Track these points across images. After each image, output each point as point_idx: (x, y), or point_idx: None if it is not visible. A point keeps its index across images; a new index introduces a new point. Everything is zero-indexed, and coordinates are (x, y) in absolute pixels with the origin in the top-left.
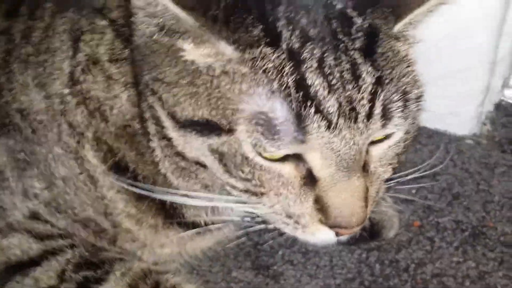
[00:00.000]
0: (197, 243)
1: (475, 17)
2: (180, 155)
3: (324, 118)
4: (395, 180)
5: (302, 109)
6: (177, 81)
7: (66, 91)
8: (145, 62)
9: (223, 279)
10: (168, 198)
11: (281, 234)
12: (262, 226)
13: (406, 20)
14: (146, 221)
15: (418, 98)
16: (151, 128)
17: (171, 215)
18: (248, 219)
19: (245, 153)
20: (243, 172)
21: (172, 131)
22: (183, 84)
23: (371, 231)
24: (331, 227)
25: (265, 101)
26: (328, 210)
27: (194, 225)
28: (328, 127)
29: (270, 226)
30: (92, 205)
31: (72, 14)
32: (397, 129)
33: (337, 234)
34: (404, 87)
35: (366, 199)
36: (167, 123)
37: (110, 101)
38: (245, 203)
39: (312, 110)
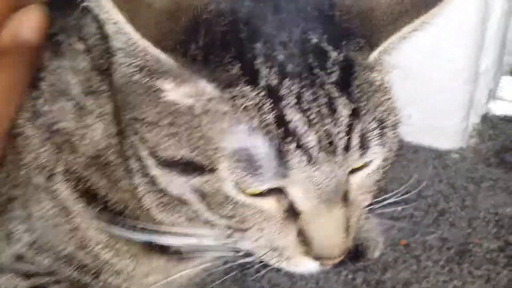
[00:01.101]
0: (181, 269)
1: (454, 32)
2: (164, 191)
3: (304, 153)
4: (380, 203)
5: (283, 145)
6: (158, 121)
7: (29, 126)
8: (125, 102)
9: None
10: (146, 238)
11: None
12: (247, 259)
13: (380, 48)
14: (124, 250)
15: (395, 125)
16: (134, 165)
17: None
18: (231, 253)
19: (227, 191)
20: (225, 210)
21: (154, 169)
22: (164, 125)
23: (355, 252)
24: (315, 258)
25: (246, 138)
26: (311, 243)
27: (176, 252)
28: (309, 161)
29: (252, 258)
30: (70, 240)
31: None
32: (376, 157)
33: (321, 265)
34: (380, 116)
35: (347, 229)
36: (150, 161)
37: (81, 131)
38: (228, 238)
39: (293, 145)
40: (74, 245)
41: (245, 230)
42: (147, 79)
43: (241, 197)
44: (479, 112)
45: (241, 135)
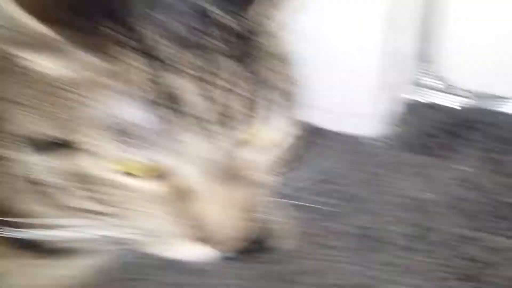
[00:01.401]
0: (53, 271)
1: (361, 13)
2: (37, 179)
3: (197, 126)
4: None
5: (174, 118)
6: (31, 101)
7: None
8: None
9: None
10: (21, 235)
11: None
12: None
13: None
14: None
15: (293, 96)
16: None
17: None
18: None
19: (102, 171)
20: (101, 192)
21: (26, 156)
22: (38, 104)
23: (262, 243)
24: (209, 242)
25: (133, 111)
26: (204, 225)
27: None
28: (202, 135)
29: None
30: None
31: None
32: (275, 130)
33: (218, 251)
34: (278, 84)
35: (245, 210)
36: (21, 147)
37: None
38: (104, 226)
39: (185, 118)
40: None
41: (126, 215)
42: (19, 55)
43: (126, 180)
44: (402, 100)
45: (127, 108)
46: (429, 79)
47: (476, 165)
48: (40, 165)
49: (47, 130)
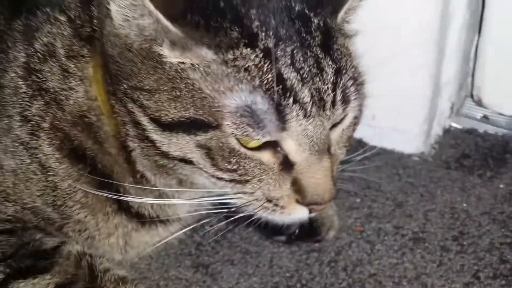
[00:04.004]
0: (141, 237)
1: (414, 36)
2: (164, 154)
3: (301, 108)
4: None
5: (282, 100)
6: (157, 88)
7: (21, 82)
8: (121, 72)
9: (161, 276)
10: (139, 201)
11: (224, 236)
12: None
13: (341, 14)
14: (101, 210)
15: (363, 84)
16: (131, 131)
17: (119, 202)
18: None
19: (232, 144)
20: (230, 163)
21: (154, 134)
22: (164, 90)
23: (310, 230)
24: (307, 205)
25: (248, 95)
26: (304, 190)
27: (138, 216)
28: (304, 115)
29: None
30: (41, 197)
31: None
32: (352, 111)
33: (310, 211)
34: (354, 75)
35: (333, 177)
36: (150, 127)
37: (66, 92)
38: (221, 195)
39: (291, 100)
40: (44, 201)
41: (246, 182)
42: (146, 47)
43: (243, 150)
44: (442, 124)
45: (243, 93)
46: (469, 105)
47: (509, 182)
48: (169, 141)
49: (188, 114)
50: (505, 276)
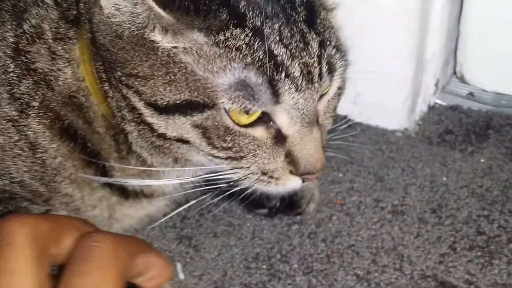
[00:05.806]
0: (125, 209)
1: (395, 13)
2: (161, 136)
3: (292, 82)
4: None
5: (275, 74)
6: (151, 73)
7: (9, 61)
8: (114, 60)
9: None
10: (132, 182)
11: (209, 210)
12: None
13: None
14: (88, 184)
15: (345, 54)
16: (127, 115)
17: (105, 174)
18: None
19: (226, 123)
20: (225, 141)
21: (151, 118)
22: (159, 75)
23: (290, 202)
24: (301, 175)
25: (241, 72)
26: (297, 161)
27: (122, 189)
28: (296, 89)
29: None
30: (29, 171)
31: None
32: (337, 81)
33: (303, 181)
34: (336, 44)
35: (323, 147)
36: (146, 111)
37: (55, 73)
38: (217, 172)
39: (283, 75)
40: (31, 176)
41: (242, 158)
42: (139, 35)
43: (237, 128)
44: (426, 101)
45: (236, 71)
46: (455, 82)
47: (489, 157)
48: (165, 124)
49: (183, 96)
50: (481, 248)
